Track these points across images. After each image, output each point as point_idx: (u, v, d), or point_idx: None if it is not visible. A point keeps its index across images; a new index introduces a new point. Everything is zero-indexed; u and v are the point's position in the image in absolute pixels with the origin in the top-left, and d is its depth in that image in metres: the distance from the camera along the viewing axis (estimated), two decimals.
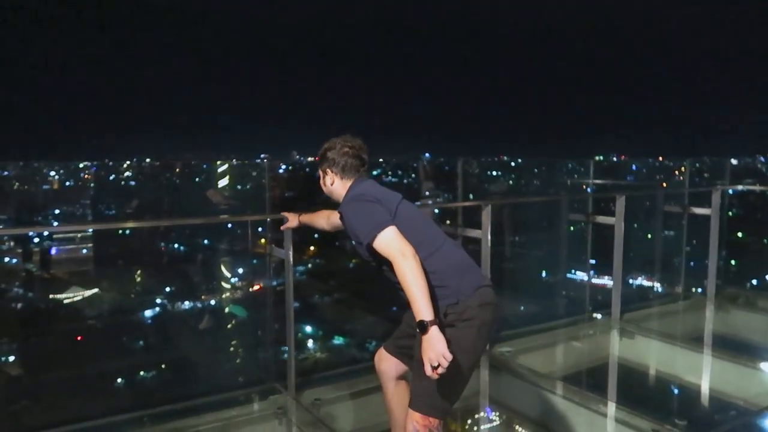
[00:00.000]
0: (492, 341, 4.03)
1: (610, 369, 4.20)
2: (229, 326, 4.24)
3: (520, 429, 3.61)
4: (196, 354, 3.99)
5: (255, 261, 4.28)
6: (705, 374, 4.15)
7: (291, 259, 3.30)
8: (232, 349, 4.14)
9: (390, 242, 2.00)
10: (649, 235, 5.73)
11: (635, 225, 5.13)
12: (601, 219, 4.76)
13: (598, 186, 5.21)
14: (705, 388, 3.99)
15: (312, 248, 3.80)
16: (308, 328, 3.85)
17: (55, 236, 3.78)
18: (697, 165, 5.95)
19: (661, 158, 6.87)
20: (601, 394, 3.67)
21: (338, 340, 4.48)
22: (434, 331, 1.88)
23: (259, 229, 3.79)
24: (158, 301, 4.22)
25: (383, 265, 2.16)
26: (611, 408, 3.35)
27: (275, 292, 3.68)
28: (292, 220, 3.06)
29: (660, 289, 5.88)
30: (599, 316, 4.82)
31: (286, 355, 3.63)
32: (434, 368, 1.88)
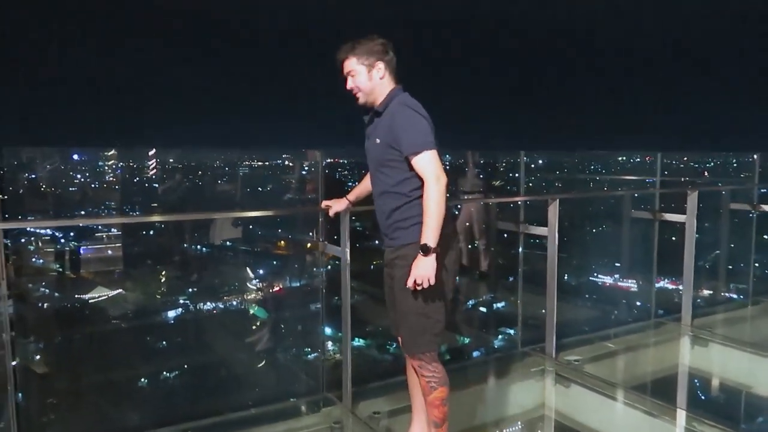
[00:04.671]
0: (557, 348, 3.69)
1: (686, 378, 3.82)
2: (266, 330, 3.92)
3: None
4: (237, 362, 3.68)
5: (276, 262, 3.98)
6: None
7: (348, 257, 2.94)
8: (274, 356, 3.81)
9: (431, 163, 2.09)
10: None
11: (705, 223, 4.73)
12: (670, 216, 4.37)
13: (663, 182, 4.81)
14: None
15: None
16: (328, 330, 3.55)
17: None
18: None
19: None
20: (683, 407, 3.32)
21: (358, 342, 4.21)
22: (432, 258, 2.07)
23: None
24: (182, 301, 3.90)
25: (386, 183, 2.21)
26: (700, 424, 2.97)
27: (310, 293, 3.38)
28: (338, 204, 2.75)
29: (728, 294, 5.47)
30: (668, 321, 4.44)
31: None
32: (417, 285, 2.08)
